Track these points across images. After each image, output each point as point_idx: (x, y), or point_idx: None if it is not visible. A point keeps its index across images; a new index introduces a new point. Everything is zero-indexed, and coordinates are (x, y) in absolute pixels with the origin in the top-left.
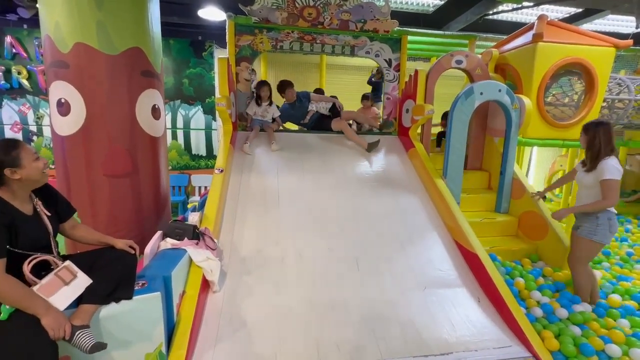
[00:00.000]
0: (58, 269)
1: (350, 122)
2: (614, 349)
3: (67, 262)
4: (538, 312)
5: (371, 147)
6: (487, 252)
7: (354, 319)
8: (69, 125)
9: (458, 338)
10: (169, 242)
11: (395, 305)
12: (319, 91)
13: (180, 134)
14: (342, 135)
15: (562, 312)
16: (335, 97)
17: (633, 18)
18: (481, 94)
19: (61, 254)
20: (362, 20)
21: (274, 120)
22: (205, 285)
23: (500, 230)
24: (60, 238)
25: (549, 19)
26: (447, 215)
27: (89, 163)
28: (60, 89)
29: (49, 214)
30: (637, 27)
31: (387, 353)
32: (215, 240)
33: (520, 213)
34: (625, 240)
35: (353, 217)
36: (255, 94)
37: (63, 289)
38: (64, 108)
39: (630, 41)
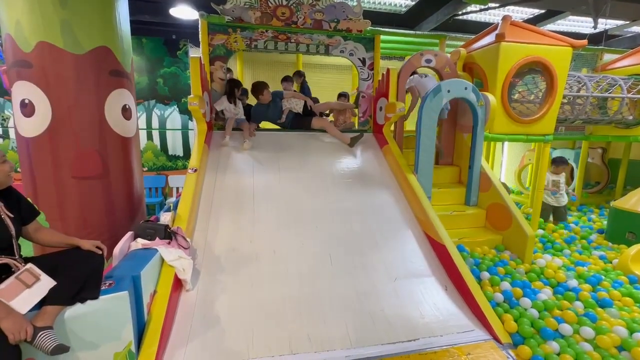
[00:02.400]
0: (19, 272)
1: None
2: (566, 328)
3: (29, 265)
4: (499, 297)
5: (354, 142)
6: (456, 243)
7: (326, 313)
8: (34, 126)
9: (425, 325)
10: (140, 243)
11: (367, 297)
12: (288, 79)
13: (155, 134)
14: (318, 134)
15: (525, 301)
16: (316, 98)
17: (591, 19)
18: (448, 91)
19: (24, 256)
20: (335, 20)
21: (248, 120)
22: (178, 284)
23: (469, 222)
24: (24, 242)
25: (513, 20)
26: (418, 209)
27: (57, 165)
28: (23, 89)
29: (11, 215)
30: (594, 28)
31: (357, 342)
32: (188, 240)
33: (487, 205)
34: (590, 228)
35: (328, 213)
36: (228, 92)
37: (25, 292)
38: (27, 109)
39: (584, 41)
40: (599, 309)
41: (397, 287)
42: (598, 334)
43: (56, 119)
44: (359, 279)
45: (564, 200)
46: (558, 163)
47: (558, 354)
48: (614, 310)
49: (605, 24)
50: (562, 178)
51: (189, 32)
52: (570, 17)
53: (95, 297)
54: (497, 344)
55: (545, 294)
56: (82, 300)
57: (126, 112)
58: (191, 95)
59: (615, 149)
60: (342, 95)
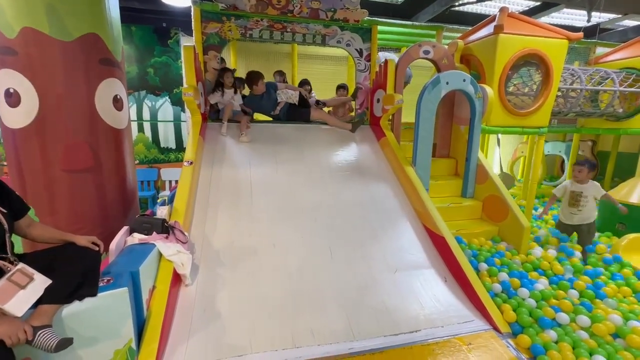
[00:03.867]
0: (11, 273)
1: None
2: (563, 317)
3: (21, 265)
4: (497, 287)
5: (355, 127)
6: (454, 235)
7: (327, 306)
8: (20, 117)
9: (426, 316)
10: (137, 237)
11: (367, 290)
12: (281, 72)
13: (147, 126)
14: (314, 125)
15: (523, 291)
16: (307, 80)
17: (585, 12)
18: (447, 83)
19: (18, 254)
20: (332, 9)
21: (245, 112)
22: (177, 279)
23: (466, 214)
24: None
25: (509, 12)
26: (417, 202)
27: (45, 157)
28: (7, 78)
29: (4, 210)
30: (588, 21)
31: (360, 334)
32: (186, 234)
33: (484, 197)
34: None
35: (326, 206)
36: (216, 82)
37: (19, 293)
38: (12, 99)
39: (580, 34)
40: (597, 300)
41: (397, 279)
42: (594, 322)
43: (44, 110)
44: (360, 272)
45: (587, 217)
46: (584, 167)
47: (556, 342)
48: (612, 300)
49: (599, 17)
50: (588, 189)
51: (180, 20)
52: (565, 10)
53: (93, 295)
54: (497, 333)
55: (542, 284)
56: (80, 298)
57: (117, 103)
58: (185, 86)
59: (604, 141)
60: (341, 87)
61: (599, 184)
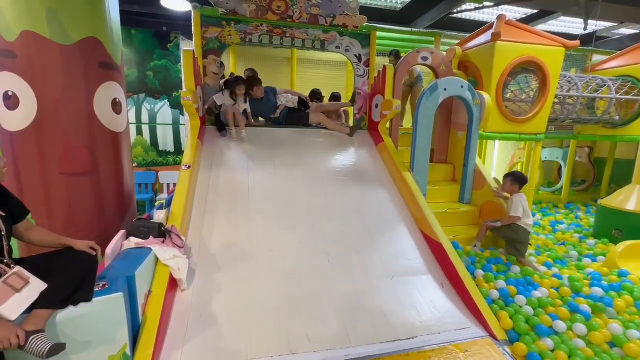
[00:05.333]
0: (7, 276)
1: None
2: (560, 325)
3: (17, 268)
4: (495, 294)
5: (353, 131)
6: (451, 240)
7: (324, 311)
8: (19, 120)
9: (423, 322)
10: (133, 241)
11: (364, 295)
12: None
13: (145, 129)
14: (312, 129)
15: (520, 298)
16: (319, 90)
17: (582, 20)
18: (445, 89)
19: (15, 258)
20: (332, 15)
21: (245, 112)
22: (173, 284)
23: (463, 219)
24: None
25: (507, 19)
26: (414, 207)
27: (43, 160)
28: (6, 81)
29: (3, 214)
30: (584, 29)
31: (357, 341)
32: (183, 238)
33: (481, 203)
34: (578, 226)
35: (324, 211)
36: (230, 91)
37: (14, 297)
38: (11, 101)
39: (577, 42)
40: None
41: (394, 285)
42: (590, 331)
43: (42, 113)
44: (357, 277)
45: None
46: (506, 180)
47: (552, 351)
48: (612, 310)
49: (596, 25)
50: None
51: (180, 24)
52: (562, 18)
53: (88, 300)
54: (494, 340)
55: (540, 291)
56: (75, 303)
57: (116, 106)
58: (184, 90)
59: (601, 148)
60: (334, 98)
61: (516, 200)
